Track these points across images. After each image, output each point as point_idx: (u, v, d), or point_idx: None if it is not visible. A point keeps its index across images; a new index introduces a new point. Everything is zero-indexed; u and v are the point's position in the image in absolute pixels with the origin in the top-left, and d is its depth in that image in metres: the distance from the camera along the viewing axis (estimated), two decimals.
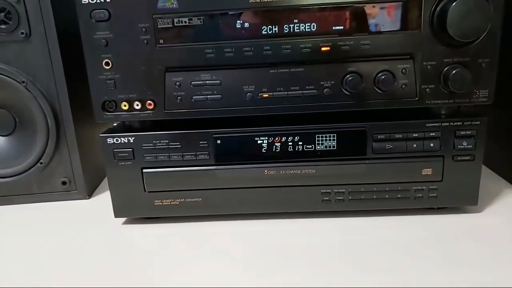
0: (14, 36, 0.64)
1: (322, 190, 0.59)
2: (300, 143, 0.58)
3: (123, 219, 0.64)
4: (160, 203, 0.61)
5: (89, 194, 0.74)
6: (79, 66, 0.56)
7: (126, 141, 0.58)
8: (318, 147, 0.58)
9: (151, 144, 0.58)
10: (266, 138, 0.58)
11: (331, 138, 0.57)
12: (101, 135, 0.58)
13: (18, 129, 0.70)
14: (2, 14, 0.63)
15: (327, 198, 0.59)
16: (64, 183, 0.72)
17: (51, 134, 0.69)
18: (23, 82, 0.66)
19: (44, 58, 0.66)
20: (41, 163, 0.70)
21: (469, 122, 0.55)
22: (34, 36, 0.64)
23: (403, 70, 0.53)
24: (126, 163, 0.59)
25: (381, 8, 0.51)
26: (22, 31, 0.64)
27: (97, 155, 0.73)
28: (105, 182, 0.78)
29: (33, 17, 0.64)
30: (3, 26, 0.63)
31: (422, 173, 0.58)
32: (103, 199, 0.72)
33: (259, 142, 0.58)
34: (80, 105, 0.69)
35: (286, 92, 0.55)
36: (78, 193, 0.73)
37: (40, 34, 0.64)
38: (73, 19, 0.53)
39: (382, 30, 0.52)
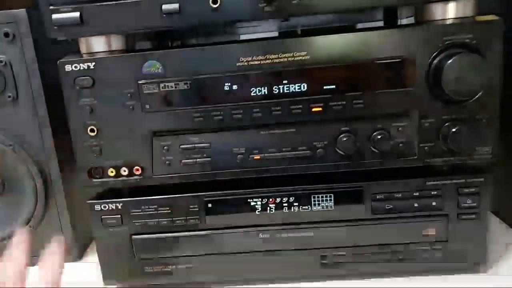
0: (1, 99, 0.63)
1: (321, 254, 0.56)
2: (295, 204, 0.55)
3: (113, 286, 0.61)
4: (151, 270, 0.58)
5: (80, 256, 0.71)
6: (68, 128, 0.54)
7: (114, 207, 0.56)
8: (315, 208, 0.55)
9: (140, 210, 0.56)
10: (260, 200, 0.55)
11: (328, 199, 0.55)
12: (88, 201, 0.56)
13: (6, 192, 0.68)
14: None
15: (326, 262, 0.56)
16: None
17: (40, 197, 0.66)
18: (10, 145, 0.64)
19: (32, 121, 0.64)
20: (30, 227, 0.67)
21: (472, 179, 0.52)
22: (21, 99, 0.63)
23: (400, 129, 0.51)
24: (114, 229, 0.56)
25: (374, 65, 0.49)
26: (9, 94, 0.63)
27: (87, 216, 0.71)
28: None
29: (20, 80, 0.62)
30: None
31: (425, 233, 0.55)
32: (94, 262, 0.69)
33: (252, 204, 0.55)
34: (69, 167, 0.67)
35: (278, 153, 0.52)
36: (68, 255, 0.70)
37: (28, 97, 0.63)
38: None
39: (375, 88, 0.50)
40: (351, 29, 0.58)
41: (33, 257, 0.68)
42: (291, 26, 0.67)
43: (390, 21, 0.67)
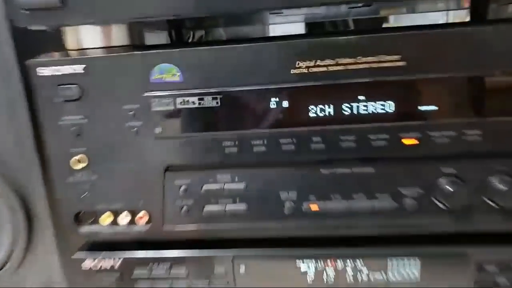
0: None
1: None
2: (364, 271, 0.39)
3: None
4: None
5: None
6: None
7: (109, 267, 0.40)
8: (392, 279, 0.38)
9: (146, 270, 0.40)
10: (313, 262, 0.39)
11: (413, 265, 0.38)
12: (73, 257, 0.40)
13: None
14: None
15: None
16: None
17: (21, 230, 0.52)
18: None
19: (9, 133, 0.49)
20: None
21: None
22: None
23: None
24: None
25: (502, 78, 0.32)
26: None
27: None
28: None
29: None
30: None
31: None
32: None
33: (303, 268, 0.39)
34: None
35: (346, 203, 0.36)
36: None
37: (4, 105, 0.48)
38: None
39: (501, 113, 0.33)
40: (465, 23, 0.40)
41: None
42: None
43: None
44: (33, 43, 0.48)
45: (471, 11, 0.53)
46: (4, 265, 0.53)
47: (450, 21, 0.65)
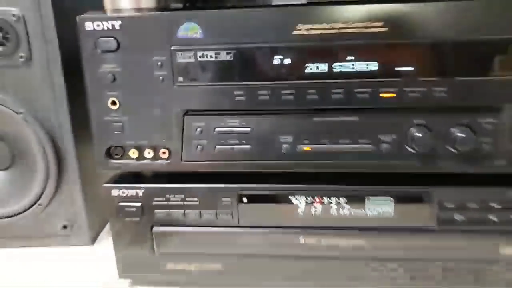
0: (12, 60, 0.55)
1: (372, 265, 0.47)
2: (346, 206, 0.46)
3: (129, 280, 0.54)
4: (173, 268, 0.50)
5: (93, 239, 0.65)
6: (86, 96, 0.46)
7: (134, 194, 0.48)
8: (369, 213, 0.46)
9: (164, 199, 0.48)
10: (304, 198, 0.47)
11: (387, 203, 0.46)
12: (104, 185, 0.48)
13: (16, 163, 0.62)
14: (0, 34, 0.54)
15: (377, 275, 0.48)
16: (65, 226, 0.63)
17: (51, 173, 0.59)
18: (20, 112, 0.56)
19: (46, 86, 0.57)
20: (39, 204, 0.61)
21: None
22: (34, 61, 0.56)
23: (487, 126, 0.41)
24: (133, 219, 0.49)
25: (464, 45, 0.39)
26: (22, 54, 0.55)
27: (102, 196, 0.64)
28: None
29: (35, 39, 0.55)
30: (0, 49, 0.54)
31: (501, 251, 0.46)
32: (108, 247, 0.62)
33: (294, 202, 0.47)
34: (86, 141, 0.60)
35: (334, 146, 0.43)
36: (80, 238, 0.64)
37: (42, 59, 0.56)
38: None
39: (465, 74, 0.40)
40: None
41: (42, 238, 0.63)
42: None
43: None
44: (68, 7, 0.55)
45: None
46: (37, 201, 0.61)
47: None
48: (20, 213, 0.62)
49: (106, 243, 0.65)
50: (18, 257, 0.62)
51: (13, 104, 0.57)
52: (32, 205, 0.61)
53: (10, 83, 0.56)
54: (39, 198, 0.61)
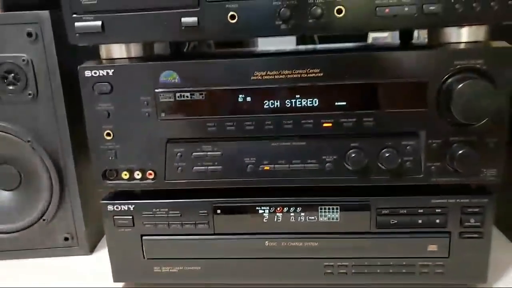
0: (22, 97, 0.65)
1: (324, 263, 0.57)
2: (302, 214, 0.57)
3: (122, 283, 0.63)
4: (159, 270, 0.60)
5: (91, 249, 0.74)
6: (84, 126, 0.56)
7: (126, 208, 0.58)
8: (321, 219, 0.56)
9: (151, 212, 0.58)
10: (268, 208, 0.57)
11: (335, 211, 0.56)
12: (102, 201, 0.58)
13: (23, 185, 0.71)
14: (11, 76, 0.64)
15: (329, 271, 0.58)
16: (66, 239, 0.72)
17: (55, 192, 0.69)
18: (28, 141, 0.66)
19: (50, 118, 0.66)
20: (44, 220, 0.70)
21: (476, 200, 0.53)
22: (40, 97, 0.65)
23: (408, 147, 0.52)
24: (125, 229, 0.58)
25: (385, 86, 0.50)
26: (30, 92, 0.65)
27: (99, 211, 0.73)
28: None
29: (41, 79, 0.64)
30: (11, 87, 0.64)
31: (428, 249, 0.56)
32: (105, 256, 0.71)
33: (260, 212, 0.57)
34: (84, 164, 0.70)
35: (288, 165, 0.54)
36: (80, 248, 0.73)
37: (47, 95, 0.65)
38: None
39: (386, 107, 0.51)
40: (365, 48, 0.58)
41: (46, 249, 0.72)
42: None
43: (405, 42, 0.68)
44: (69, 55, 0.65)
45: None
46: (42, 216, 0.71)
47: None
48: (26, 228, 0.71)
49: (102, 252, 0.74)
50: (24, 267, 0.70)
51: (22, 133, 0.66)
52: (37, 221, 0.70)
53: (19, 115, 0.66)
54: (43, 214, 0.70)
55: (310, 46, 0.80)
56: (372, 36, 0.93)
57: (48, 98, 0.66)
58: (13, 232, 0.71)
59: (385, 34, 0.90)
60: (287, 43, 0.91)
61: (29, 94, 0.65)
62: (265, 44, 0.90)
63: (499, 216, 0.56)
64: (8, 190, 0.71)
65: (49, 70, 0.64)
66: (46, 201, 0.70)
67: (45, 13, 0.62)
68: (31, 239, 0.71)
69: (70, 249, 0.72)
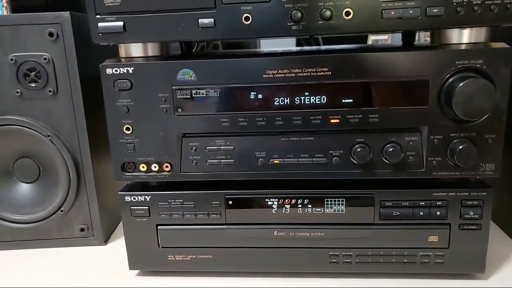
0: (42, 93, 0.68)
1: (330, 253, 0.60)
2: (309, 206, 0.59)
3: (137, 270, 0.66)
4: (173, 258, 0.63)
5: (106, 240, 0.77)
6: (101, 121, 0.59)
7: (143, 199, 0.61)
8: (327, 211, 0.59)
9: (166, 203, 0.61)
10: (276, 200, 0.60)
11: (340, 203, 0.59)
12: (119, 193, 0.61)
13: (42, 177, 0.74)
14: (33, 73, 0.67)
15: (334, 260, 0.61)
16: (82, 229, 0.75)
17: (72, 184, 0.72)
18: (48, 135, 0.69)
19: (69, 114, 0.69)
20: (61, 211, 0.73)
21: (475, 193, 0.56)
22: (60, 94, 0.68)
23: (410, 143, 0.55)
24: (142, 219, 0.61)
25: (390, 84, 0.53)
26: (50, 89, 0.68)
27: (114, 203, 0.76)
28: (120, 227, 0.80)
29: (61, 76, 0.68)
30: (33, 85, 0.68)
31: (429, 240, 0.59)
32: (119, 246, 0.75)
33: (269, 203, 0.60)
34: (100, 158, 0.73)
35: (296, 159, 0.57)
36: (95, 239, 0.76)
37: (66, 92, 0.68)
38: (97, 78, 0.56)
39: (390, 104, 0.54)
40: (371, 49, 0.61)
41: (63, 239, 0.75)
42: None
43: (408, 43, 0.71)
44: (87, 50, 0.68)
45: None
46: (59, 208, 0.74)
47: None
48: (45, 219, 0.74)
49: (116, 242, 0.77)
50: (42, 256, 0.74)
51: (42, 128, 0.69)
52: (55, 212, 0.74)
53: (40, 111, 0.69)
54: (61, 206, 0.73)
55: (314, 47, 0.83)
56: (371, 38, 0.97)
57: (67, 94, 0.69)
58: (32, 222, 0.74)
59: (385, 37, 0.94)
60: (287, 44, 0.95)
61: (50, 91, 0.68)
62: (267, 46, 0.94)
63: (498, 211, 0.59)
64: (27, 183, 0.75)
65: (69, 68, 0.67)
66: (64, 193, 0.73)
67: (66, 14, 0.65)
68: (49, 230, 0.75)
69: (86, 239, 0.76)
